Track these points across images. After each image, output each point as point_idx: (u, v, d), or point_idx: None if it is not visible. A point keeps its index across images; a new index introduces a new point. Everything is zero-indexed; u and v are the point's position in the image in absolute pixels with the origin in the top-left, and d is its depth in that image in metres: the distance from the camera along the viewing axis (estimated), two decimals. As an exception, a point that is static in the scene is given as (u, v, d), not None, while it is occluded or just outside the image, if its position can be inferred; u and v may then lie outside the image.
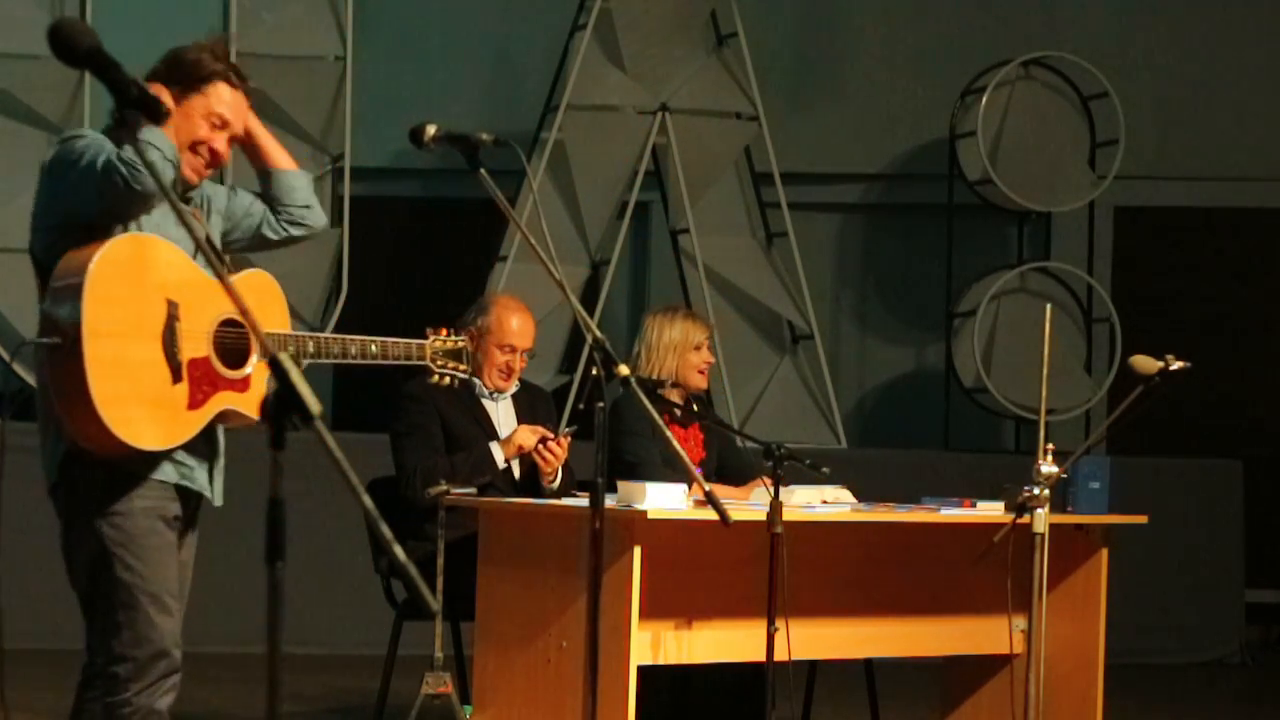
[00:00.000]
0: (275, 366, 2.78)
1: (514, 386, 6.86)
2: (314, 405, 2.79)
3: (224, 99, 4.59)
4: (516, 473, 6.74)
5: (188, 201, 4.64)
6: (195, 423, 4.45)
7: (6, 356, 10.02)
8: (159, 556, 4.45)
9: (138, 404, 4.33)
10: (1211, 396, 11.36)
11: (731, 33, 11.24)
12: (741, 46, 11.19)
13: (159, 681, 4.44)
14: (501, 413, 6.82)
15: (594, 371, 4.59)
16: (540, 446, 6.59)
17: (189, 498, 4.59)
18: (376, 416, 7.50)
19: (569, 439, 6.64)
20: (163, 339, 4.37)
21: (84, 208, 4.37)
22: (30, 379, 10.01)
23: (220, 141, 4.59)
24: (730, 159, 11.33)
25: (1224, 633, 10.82)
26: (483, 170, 4.63)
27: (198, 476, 4.55)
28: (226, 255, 4.78)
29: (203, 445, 4.52)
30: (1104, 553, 6.84)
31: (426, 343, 5.02)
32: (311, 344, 4.68)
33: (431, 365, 5.02)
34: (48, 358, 4.33)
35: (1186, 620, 10.74)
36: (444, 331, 5.07)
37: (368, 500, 2.85)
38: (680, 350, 6.93)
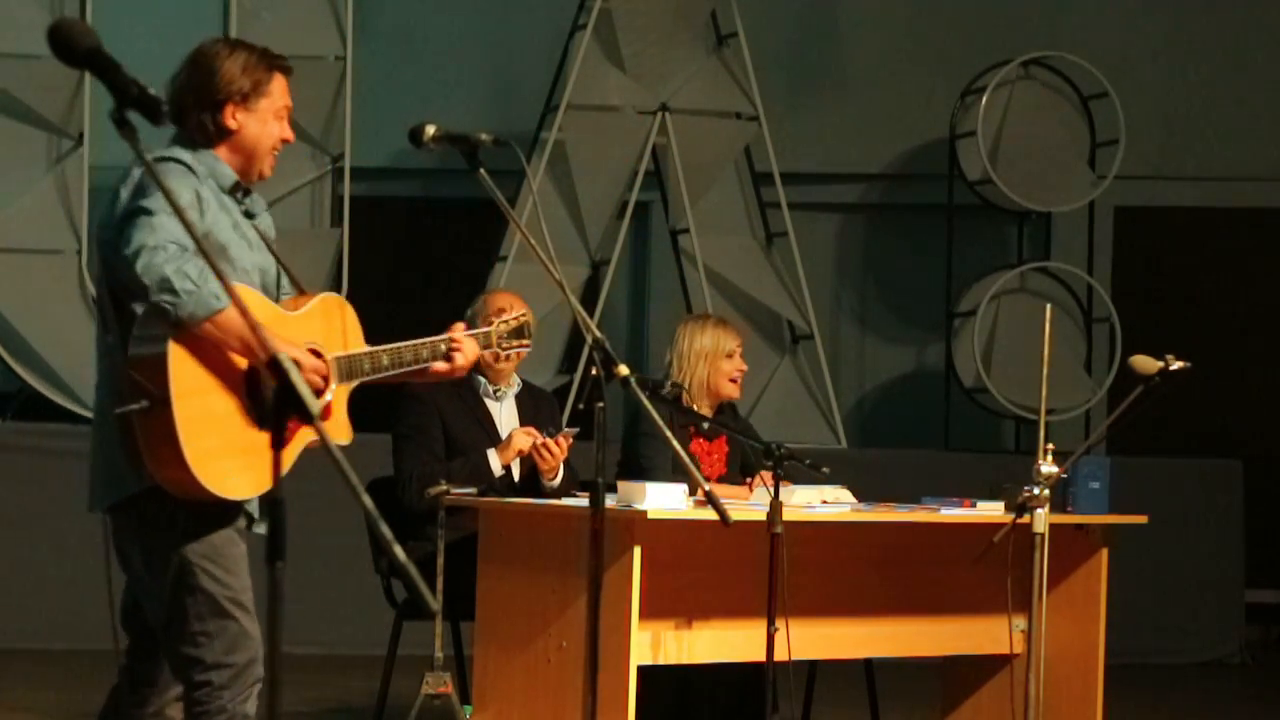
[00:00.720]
0: (275, 367, 2.78)
1: (516, 383, 6.85)
2: (314, 406, 2.80)
3: (283, 87, 4.59)
4: (516, 474, 6.74)
5: (250, 214, 4.61)
6: (282, 462, 4.41)
7: (6, 356, 10.02)
8: (240, 565, 4.45)
9: (229, 456, 4.31)
10: (1211, 396, 11.35)
11: (731, 33, 11.24)
12: (741, 46, 11.19)
13: (252, 687, 4.43)
14: (504, 413, 6.81)
15: (594, 371, 4.59)
16: (538, 445, 6.60)
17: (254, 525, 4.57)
18: (377, 416, 7.50)
19: (570, 440, 6.64)
20: (246, 386, 4.34)
21: (118, 275, 4.35)
22: (32, 380, 10.02)
23: (289, 129, 4.61)
24: (730, 159, 11.33)
25: (1224, 633, 10.82)
26: (482, 170, 4.63)
27: (253, 505, 4.53)
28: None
29: None
30: (1104, 553, 6.84)
31: (492, 329, 5.03)
32: (386, 357, 4.65)
33: (499, 350, 5.07)
34: (137, 416, 4.27)
35: (1186, 620, 10.74)
36: (504, 313, 5.13)
37: (368, 500, 2.85)
38: (711, 358, 6.92)
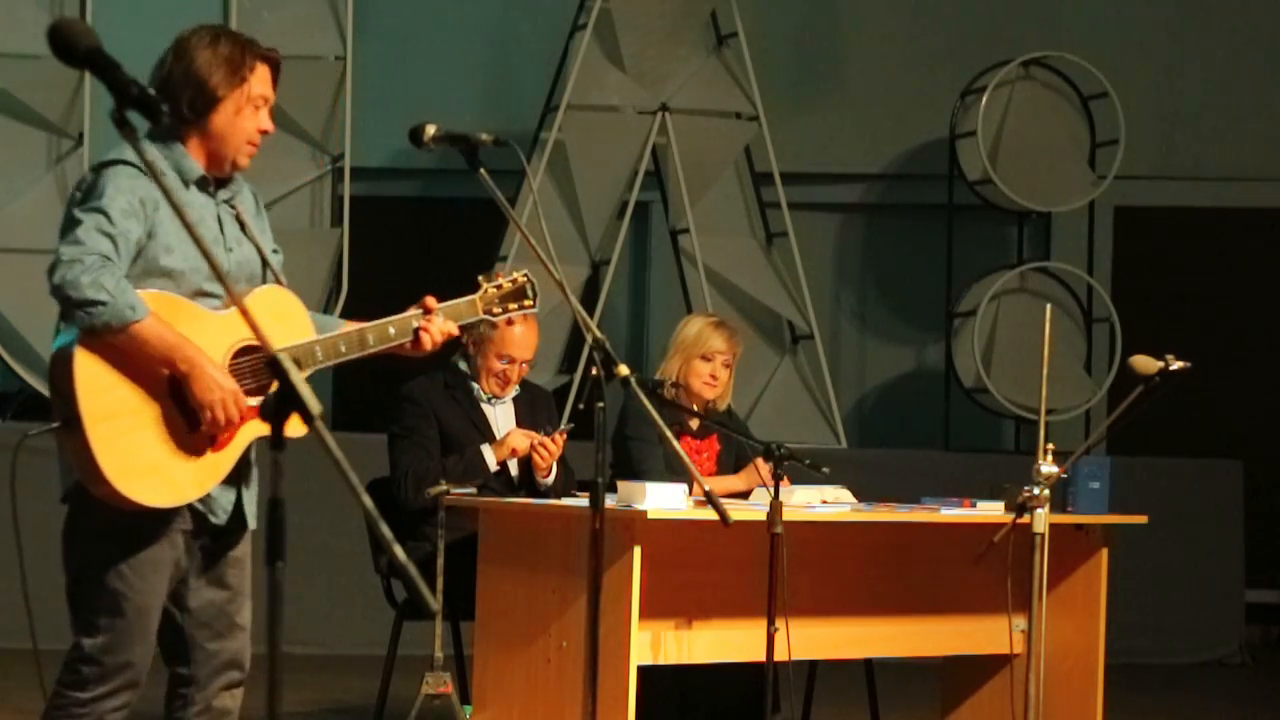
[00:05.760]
0: (275, 367, 2.78)
1: (513, 391, 6.85)
2: (314, 405, 2.79)
3: (264, 77, 4.47)
4: (514, 471, 6.74)
5: (230, 197, 4.51)
6: (226, 460, 4.38)
7: (6, 356, 10.01)
8: (158, 571, 4.39)
9: (156, 466, 4.26)
10: (1211, 396, 11.35)
11: (731, 33, 11.24)
12: (741, 46, 11.19)
13: (118, 692, 4.40)
14: (500, 415, 6.81)
15: (594, 371, 4.59)
16: (535, 444, 6.60)
17: (210, 518, 4.48)
18: (376, 417, 7.51)
19: (564, 436, 6.64)
20: (170, 390, 4.27)
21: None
22: (32, 380, 10.03)
23: (267, 119, 4.49)
24: (730, 159, 11.32)
25: (1224, 633, 10.82)
26: (483, 170, 4.63)
27: (218, 503, 4.45)
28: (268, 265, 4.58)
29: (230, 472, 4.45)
30: (1104, 553, 6.84)
31: (476, 297, 4.88)
32: (342, 343, 4.55)
33: (490, 318, 4.93)
34: (58, 434, 4.27)
35: (1186, 620, 10.74)
36: (498, 276, 4.91)
37: (368, 500, 2.85)
38: (688, 354, 6.89)
